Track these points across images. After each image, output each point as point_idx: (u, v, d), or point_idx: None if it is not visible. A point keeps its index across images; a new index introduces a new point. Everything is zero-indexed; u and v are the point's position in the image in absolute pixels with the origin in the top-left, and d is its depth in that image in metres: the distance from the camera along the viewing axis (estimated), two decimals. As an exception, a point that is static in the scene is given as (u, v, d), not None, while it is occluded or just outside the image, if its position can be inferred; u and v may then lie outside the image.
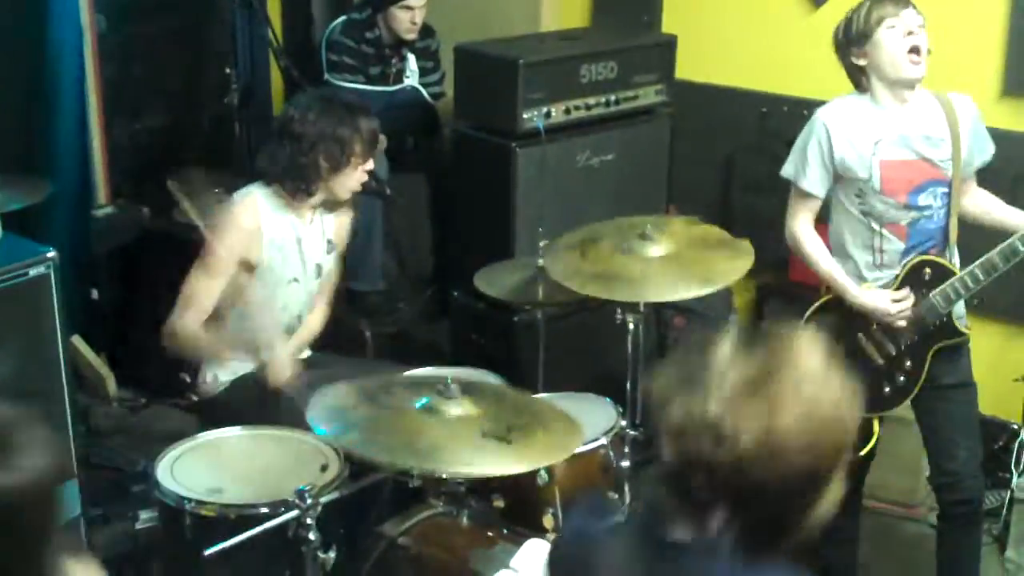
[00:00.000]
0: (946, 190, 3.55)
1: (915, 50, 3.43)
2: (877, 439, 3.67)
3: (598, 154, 4.47)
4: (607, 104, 4.45)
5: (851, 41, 3.52)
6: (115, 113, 5.09)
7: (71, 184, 4.84)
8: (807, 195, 3.64)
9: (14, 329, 3.22)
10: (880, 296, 3.58)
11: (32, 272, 3.30)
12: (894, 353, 3.62)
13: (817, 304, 3.74)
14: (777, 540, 1.71)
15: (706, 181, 5.14)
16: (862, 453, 3.62)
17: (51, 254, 3.37)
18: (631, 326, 3.65)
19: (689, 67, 4.85)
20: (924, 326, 3.57)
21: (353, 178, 3.67)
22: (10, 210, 3.81)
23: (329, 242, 3.83)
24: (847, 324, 3.64)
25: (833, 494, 1.69)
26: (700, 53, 4.96)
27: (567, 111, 4.34)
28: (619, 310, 3.70)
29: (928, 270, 3.56)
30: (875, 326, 3.63)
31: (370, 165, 3.71)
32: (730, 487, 1.65)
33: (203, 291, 3.54)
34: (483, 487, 3.25)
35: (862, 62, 3.52)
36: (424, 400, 2.88)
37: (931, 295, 3.54)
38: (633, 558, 1.81)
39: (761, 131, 4.97)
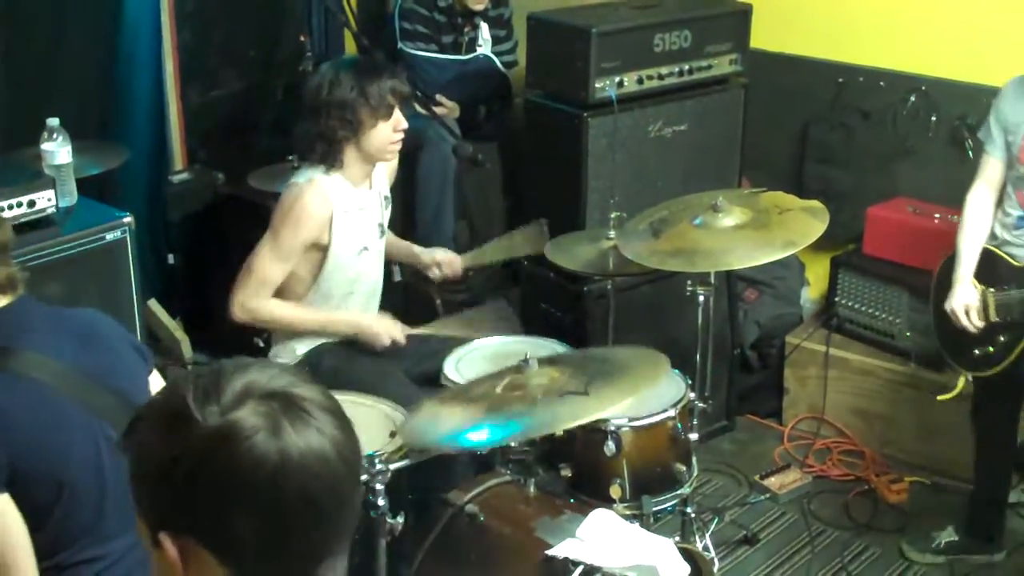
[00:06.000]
0: None
1: None
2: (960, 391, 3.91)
3: (670, 124, 4.43)
4: (680, 74, 4.41)
5: None
6: (191, 79, 5.13)
7: (147, 150, 4.90)
8: (986, 155, 3.71)
9: (91, 293, 3.27)
10: (959, 300, 3.67)
11: (108, 237, 3.35)
12: (989, 321, 3.67)
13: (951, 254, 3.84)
14: None
15: (779, 152, 5.09)
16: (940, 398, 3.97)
17: (127, 219, 3.40)
18: (701, 298, 3.64)
19: (764, 36, 4.78)
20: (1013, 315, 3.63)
21: (379, 139, 3.63)
22: (87, 175, 3.86)
23: (385, 198, 3.87)
24: None
25: None
26: (775, 22, 4.89)
27: (640, 81, 4.31)
28: (689, 282, 3.68)
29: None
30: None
31: (400, 124, 3.65)
32: None
33: (274, 273, 3.58)
34: (551, 456, 3.26)
35: None
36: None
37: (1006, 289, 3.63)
38: None
39: (836, 102, 4.90)
